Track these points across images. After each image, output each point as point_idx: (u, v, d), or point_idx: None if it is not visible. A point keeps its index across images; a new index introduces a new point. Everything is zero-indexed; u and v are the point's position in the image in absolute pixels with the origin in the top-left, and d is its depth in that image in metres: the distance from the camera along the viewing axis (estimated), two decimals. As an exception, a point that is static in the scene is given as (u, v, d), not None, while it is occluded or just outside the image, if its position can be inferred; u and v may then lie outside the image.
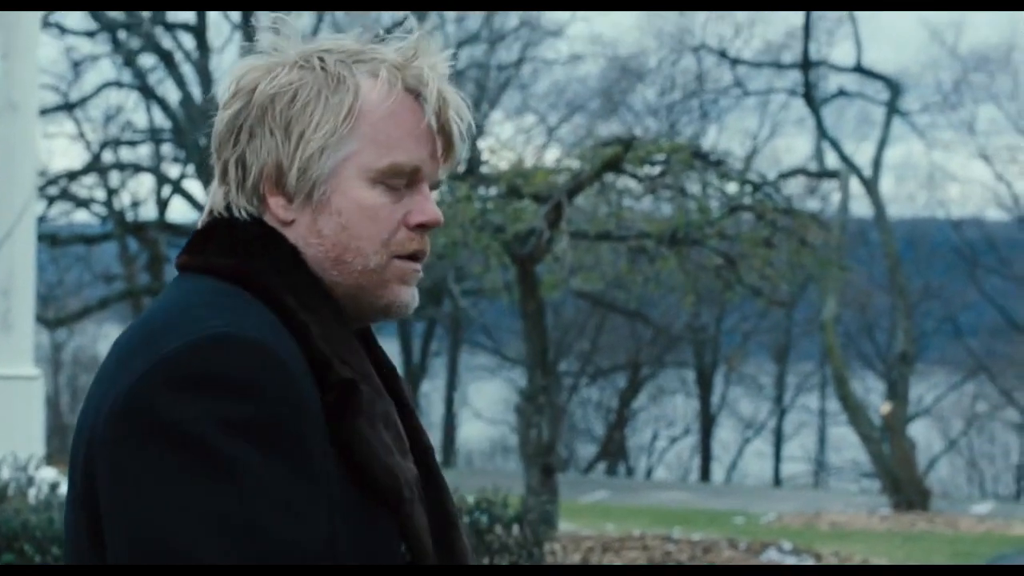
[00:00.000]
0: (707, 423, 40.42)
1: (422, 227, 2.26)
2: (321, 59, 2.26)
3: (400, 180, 2.24)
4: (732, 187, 17.04)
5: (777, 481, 40.52)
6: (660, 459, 41.24)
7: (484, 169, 17.61)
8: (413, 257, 2.27)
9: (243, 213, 2.25)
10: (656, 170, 16.76)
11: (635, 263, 17.58)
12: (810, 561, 16.07)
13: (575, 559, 14.93)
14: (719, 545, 16.53)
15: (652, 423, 41.00)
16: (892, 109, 26.96)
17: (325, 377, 2.20)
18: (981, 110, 50.73)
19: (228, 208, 2.29)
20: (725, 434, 41.55)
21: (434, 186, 2.28)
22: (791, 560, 15.93)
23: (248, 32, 2.47)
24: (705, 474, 40.03)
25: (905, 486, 24.80)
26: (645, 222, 16.76)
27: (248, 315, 2.15)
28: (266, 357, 2.10)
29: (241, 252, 2.22)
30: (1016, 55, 43.11)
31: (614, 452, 39.07)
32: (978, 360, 42.51)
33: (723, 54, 32.39)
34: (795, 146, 56.13)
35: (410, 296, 2.32)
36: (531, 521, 11.25)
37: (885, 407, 25.69)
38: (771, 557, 15.85)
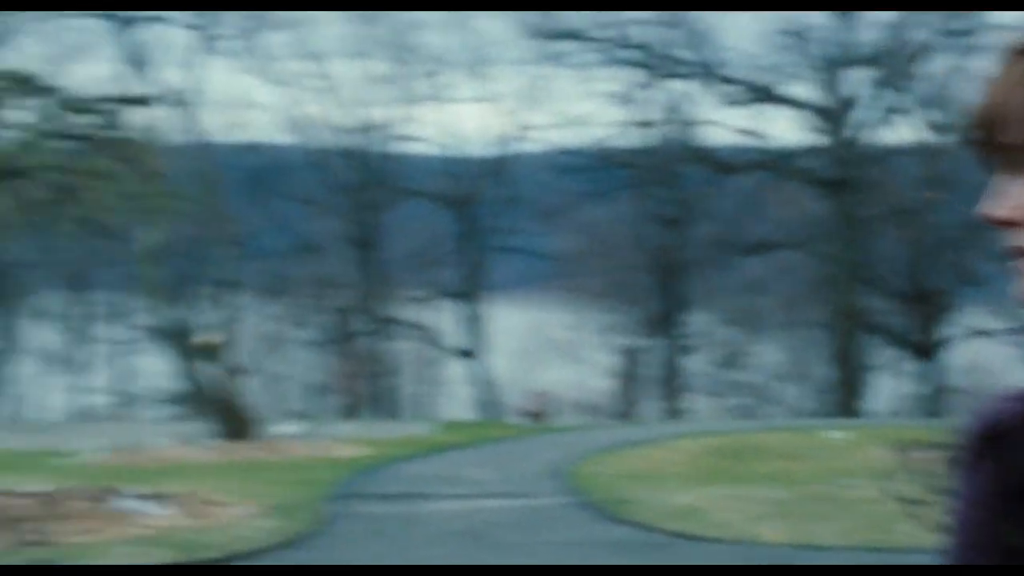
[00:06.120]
0: (2, 359, 38.75)
1: None
2: None
3: None
4: (59, 114, 16.05)
5: (82, 414, 39.46)
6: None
7: None
8: None
9: None
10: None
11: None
12: (162, 506, 15.49)
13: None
14: (62, 497, 15.67)
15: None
16: (204, 35, 26.46)
17: None
18: (274, 37, 51.06)
19: None
20: (22, 368, 40.04)
21: None
22: (141, 506, 15.27)
23: None
24: (5, 411, 38.43)
25: (230, 416, 24.59)
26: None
27: None
28: None
29: None
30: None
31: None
32: (273, 282, 42.94)
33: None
34: (89, 73, 54.34)
35: None
36: None
37: (207, 337, 25.35)
38: (122, 506, 15.14)
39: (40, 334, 40.22)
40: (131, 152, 15.89)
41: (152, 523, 14.56)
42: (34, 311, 39.84)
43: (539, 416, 38.71)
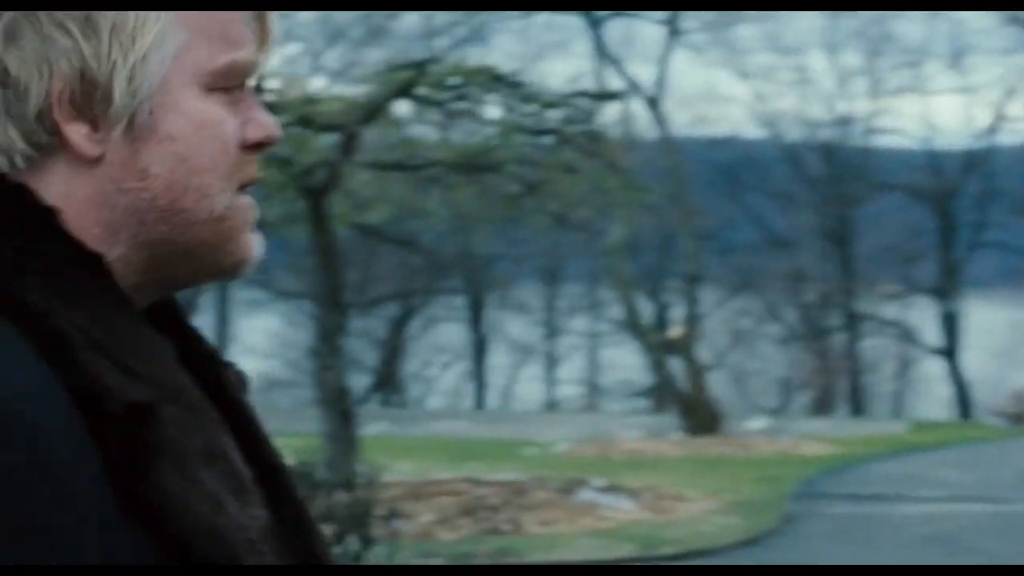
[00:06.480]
0: (479, 349, 39.98)
1: (260, 146, 1.63)
2: None
3: (237, 84, 1.61)
4: (529, 110, 16.29)
5: (552, 405, 40.31)
6: (433, 387, 40.74)
7: (266, 98, 16.49)
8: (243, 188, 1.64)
9: (17, 158, 1.55)
10: (450, 95, 15.96)
11: (427, 192, 16.83)
12: (626, 499, 15.52)
13: (384, 510, 14.12)
14: (529, 487, 15.89)
15: (424, 352, 40.45)
16: (672, 29, 26.56)
17: (100, 408, 1.47)
18: (741, 29, 50.97)
19: None
20: (497, 359, 41.20)
21: None
22: (606, 499, 15.36)
23: None
24: (480, 401, 39.61)
25: (696, 410, 24.55)
26: (439, 149, 16.00)
27: None
28: None
29: None
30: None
31: (388, 382, 38.42)
32: (743, 276, 42.79)
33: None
34: (559, 69, 55.60)
35: (259, 247, 1.66)
36: (360, 486, 10.43)
37: (675, 331, 25.39)
38: (586, 498, 15.25)
39: (514, 326, 41.29)
40: (600, 147, 15.97)
41: (615, 516, 14.61)
42: (508, 303, 40.94)
43: (1019, 418, 37.24)
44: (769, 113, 46.26)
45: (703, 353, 39.65)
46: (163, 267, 1.59)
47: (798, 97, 46.39)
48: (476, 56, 32.18)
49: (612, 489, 15.99)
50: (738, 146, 42.42)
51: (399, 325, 39.08)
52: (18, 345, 1.45)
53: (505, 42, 51.70)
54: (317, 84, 26.74)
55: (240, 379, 1.74)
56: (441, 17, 33.10)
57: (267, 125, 1.60)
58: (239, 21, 1.60)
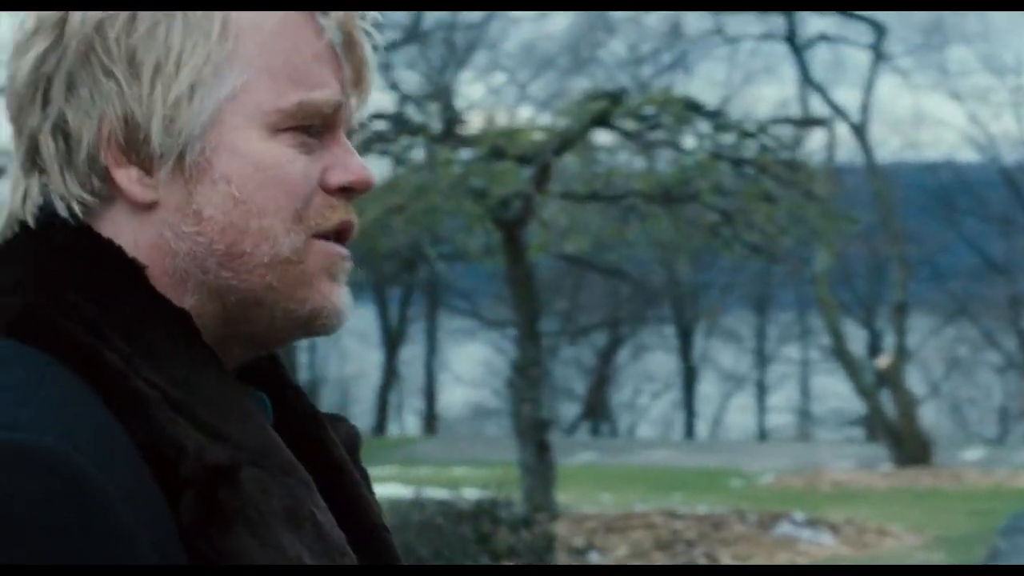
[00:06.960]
0: (689, 378, 39.74)
1: (347, 191, 1.56)
2: None
3: (313, 125, 1.55)
4: (727, 138, 16.11)
5: (762, 434, 39.87)
6: (643, 416, 40.59)
7: (463, 130, 16.61)
8: (337, 236, 1.56)
9: (75, 207, 1.53)
10: (646, 124, 15.87)
11: (625, 222, 16.75)
12: (827, 534, 15.23)
13: (579, 543, 14.05)
14: (728, 520, 15.67)
15: (634, 381, 40.34)
16: (878, 53, 26.16)
17: (176, 469, 1.45)
18: (953, 51, 50.02)
19: (46, 207, 1.54)
20: (707, 388, 40.90)
21: (349, 133, 1.60)
22: (807, 533, 15.08)
23: None
24: (689, 430, 39.35)
25: (906, 440, 24.03)
26: (636, 179, 15.93)
27: (28, 396, 1.41)
28: (46, 469, 1.37)
29: (34, 281, 1.49)
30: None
31: (597, 411, 38.39)
32: (959, 303, 41.88)
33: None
34: (766, 95, 55.15)
35: (343, 299, 1.58)
36: (539, 522, 10.40)
37: (883, 360, 24.93)
38: (785, 531, 15.00)
39: (724, 354, 40.97)
40: (799, 176, 15.74)
41: (814, 551, 14.34)
42: (717, 331, 40.66)
43: None
44: (985, 136, 45.31)
45: (917, 382, 38.91)
46: (238, 319, 1.55)
47: (1015, 119, 45.31)
48: (681, 84, 32.16)
49: (813, 523, 15.71)
50: (952, 170, 41.59)
51: (608, 354, 39.06)
52: (89, 404, 1.42)
53: (711, 69, 51.50)
54: (524, 114, 27.00)
55: (351, 437, 1.70)
56: (646, 45, 33.09)
57: (353, 169, 1.55)
58: (315, 60, 1.55)
